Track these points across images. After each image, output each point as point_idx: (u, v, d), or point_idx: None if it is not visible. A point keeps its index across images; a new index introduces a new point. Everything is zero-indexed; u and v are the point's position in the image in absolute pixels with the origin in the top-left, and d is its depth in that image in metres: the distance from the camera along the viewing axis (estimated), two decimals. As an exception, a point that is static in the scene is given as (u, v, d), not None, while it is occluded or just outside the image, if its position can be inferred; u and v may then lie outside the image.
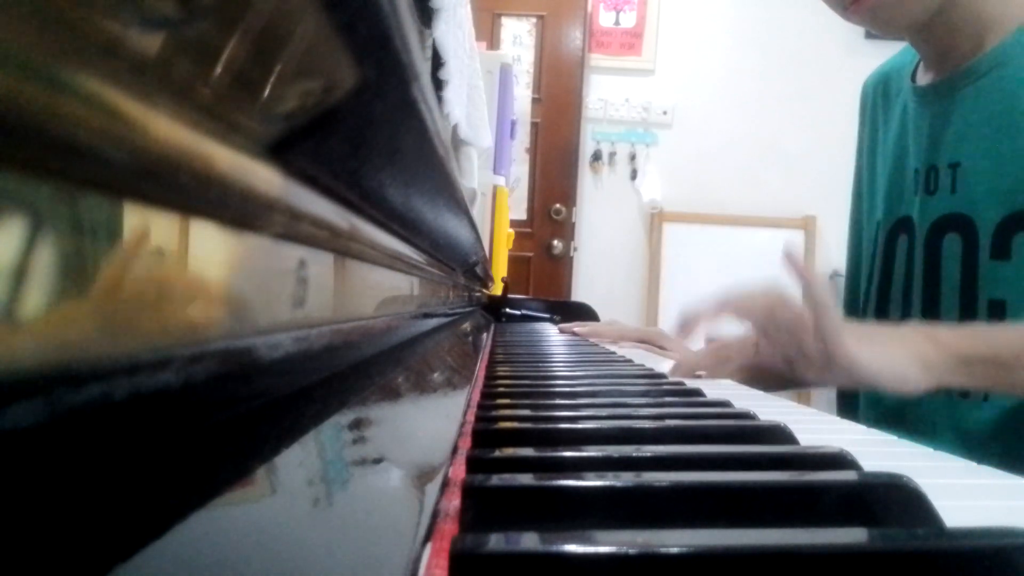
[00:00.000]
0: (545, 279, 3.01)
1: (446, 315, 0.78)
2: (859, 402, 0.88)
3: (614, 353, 0.86)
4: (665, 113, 3.06)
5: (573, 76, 3.01)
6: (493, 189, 1.73)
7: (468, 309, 1.12)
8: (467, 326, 0.98)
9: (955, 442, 0.74)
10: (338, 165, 0.23)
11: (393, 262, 0.40)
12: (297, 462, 0.18)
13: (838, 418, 0.55)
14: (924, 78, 0.82)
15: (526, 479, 0.24)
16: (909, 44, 0.83)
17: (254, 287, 0.18)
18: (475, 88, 1.20)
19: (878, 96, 0.91)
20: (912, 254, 0.81)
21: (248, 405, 0.19)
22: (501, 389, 0.50)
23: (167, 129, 0.12)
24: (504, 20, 3.04)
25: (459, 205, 0.50)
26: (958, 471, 0.35)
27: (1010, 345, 0.63)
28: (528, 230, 2.98)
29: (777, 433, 0.35)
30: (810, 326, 0.61)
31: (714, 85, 3.04)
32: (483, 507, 0.22)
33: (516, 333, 1.20)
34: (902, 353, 0.62)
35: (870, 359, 0.61)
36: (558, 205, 3.03)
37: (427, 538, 0.20)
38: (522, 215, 2.98)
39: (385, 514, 0.19)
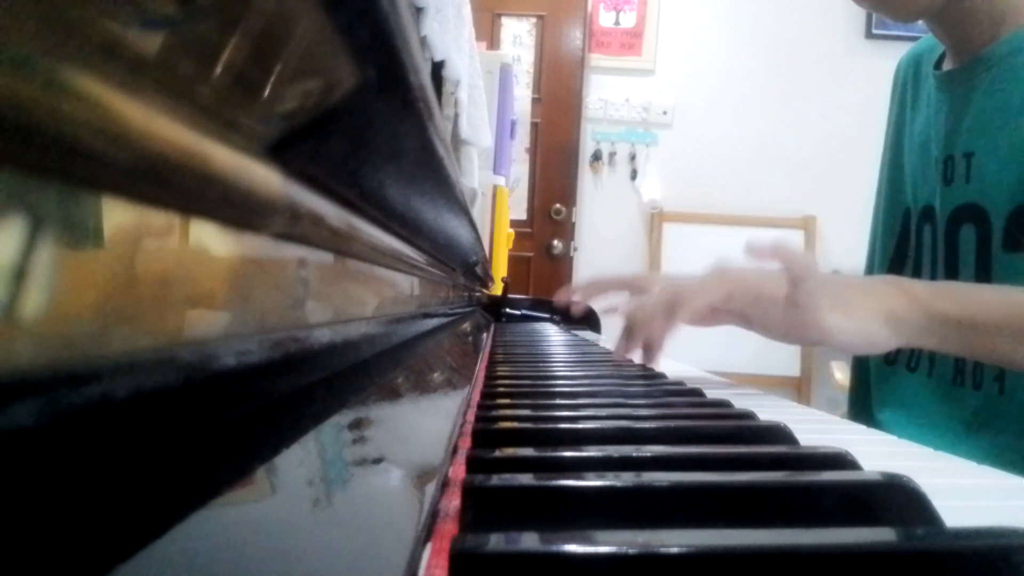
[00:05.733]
0: (545, 279, 3.00)
1: (446, 315, 0.78)
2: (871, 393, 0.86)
3: (614, 353, 0.86)
4: (665, 113, 3.06)
5: (573, 76, 3.01)
6: (493, 189, 1.73)
7: (468, 309, 1.12)
8: (467, 326, 0.98)
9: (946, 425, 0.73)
10: (338, 165, 0.23)
11: (393, 262, 0.40)
12: (297, 462, 0.18)
13: (838, 418, 0.55)
14: (947, 65, 0.81)
15: (526, 479, 0.24)
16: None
17: (254, 287, 0.18)
18: (475, 88, 1.20)
19: (909, 77, 0.89)
20: (935, 244, 0.79)
21: (248, 405, 0.19)
22: (501, 389, 0.50)
23: (167, 129, 0.12)
24: (504, 20, 3.04)
25: (459, 205, 0.50)
26: (958, 471, 0.35)
27: (987, 309, 0.61)
28: (528, 230, 2.98)
29: (777, 433, 0.34)
30: (775, 299, 0.60)
31: (714, 85, 3.04)
32: (483, 507, 0.22)
33: (516, 333, 1.19)
34: (873, 312, 0.61)
35: (841, 327, 0.60)
36: (558, 205, 3.03)
37: (427, 538, 0.20)
38: (522, 215, 2.98)
39: (385, 514, 0.19)
